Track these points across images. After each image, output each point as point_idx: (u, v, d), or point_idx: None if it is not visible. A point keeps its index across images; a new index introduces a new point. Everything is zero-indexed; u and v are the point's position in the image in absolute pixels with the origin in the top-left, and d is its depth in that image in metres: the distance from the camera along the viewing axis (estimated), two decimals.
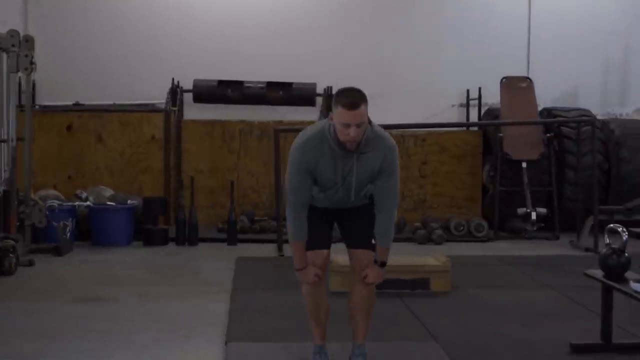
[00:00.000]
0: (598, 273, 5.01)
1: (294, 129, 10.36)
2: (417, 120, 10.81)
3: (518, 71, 11.19)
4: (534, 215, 9.68)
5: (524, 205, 9.89)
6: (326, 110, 10.77)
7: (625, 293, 4.77)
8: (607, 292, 5.03)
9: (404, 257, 7.34)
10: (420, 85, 11.41)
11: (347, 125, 4.07)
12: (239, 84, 10.83)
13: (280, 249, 8.75)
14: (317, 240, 4.50)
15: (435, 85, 11.43)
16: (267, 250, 9.00)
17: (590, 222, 9.23)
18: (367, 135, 4.18)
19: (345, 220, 4.52)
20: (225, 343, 5.15)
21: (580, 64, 11.44)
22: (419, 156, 10.82)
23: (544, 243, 9.74)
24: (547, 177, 10.31)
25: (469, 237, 9.80)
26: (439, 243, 9.50)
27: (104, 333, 5.37)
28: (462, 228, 9.85)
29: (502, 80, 10.73)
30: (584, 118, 10.21)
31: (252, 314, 5.97)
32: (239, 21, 11.23)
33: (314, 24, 11.35)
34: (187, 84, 10.74)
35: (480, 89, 11.11)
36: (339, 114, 4.08)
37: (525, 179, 9.99)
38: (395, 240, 9.41)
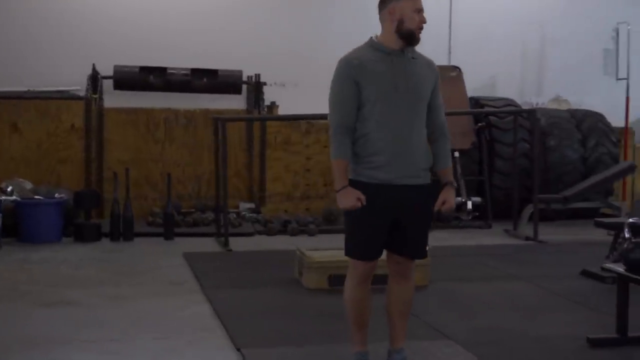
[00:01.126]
0: (617, 267, 5.01)
1: (236, 117, 10.11)
2: None
3: (440, 60, 11.19)
4: (469, 205, 9.71)
5: (458, 195, 9.91)
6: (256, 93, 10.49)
7: None
8: (624, 286, 5.03)
9: None
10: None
11: (420, 10, 4.07)
12: (161, 70, 10.33)
13: (226, 243, 8.41)
14: (372, 247, 4.18)
15: None
16: (209, 244, 8.64)
17: (528, 210, 9.34)
18: (410, 49, 4.16)
19: (405, 219, 4.13)
20: (238, 349, 4.85)
21: (500, 54, 11.55)
22: None
23: (478, 232, 9.80)
24: (477, 167, 10.39)
25: None
26: None
27: (97, 343, 4.95)
28: None
29: None
30: (512, 108, 10.35)
31: (243, 315, 5.67)
32: (163, 6, 10.70)
33: (239, 10, 10.95)
34: (108, 71, 10.15)
35: None
36: (408, 2, 4.05)
37: (459, 169, 10.01)
38: (332, 231, 9.27)
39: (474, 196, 9.98)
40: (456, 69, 10.74)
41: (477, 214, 9.94)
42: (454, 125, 10.12)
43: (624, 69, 11.08)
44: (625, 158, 10.88)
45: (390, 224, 4.15)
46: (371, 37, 4.22)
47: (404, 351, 4.42)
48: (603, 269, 5.15)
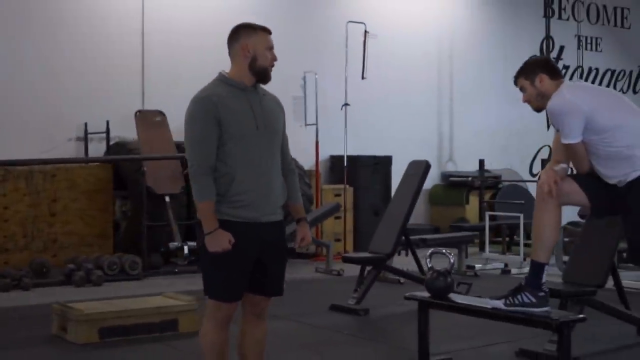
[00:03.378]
0: (421, 295, 5.33)
1: None
2: (35, 154, 10.08)
3: (134, 104, 11.05)
4: (186, 249, 9.65)
5: (170, 240, 9.80)
6: None
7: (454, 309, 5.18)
8: (426, 312, 5.36)
9: (136, 300, 6.89)
10: (35, 117, 10.62)
11: (271, 48, 4.12)
12: None
13: None
14: (238, 287, 4.10)
15: (51, 117, 10.72)
16: None
17: None
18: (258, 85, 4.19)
19: (267, 256, 4.11)
20: None
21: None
22: (48, 193, 10.04)
23: (198, 276, 9.71)
24: (186, 210, 10.35)
25: (124, 275, 9.39)
26: (98, 284, 8.96)
27: None
28: (115, 267, 9.39)
29: (136, 113, 10.54)
30: None
31: None
32: None
33: None
34: None
35: (108, 122, 10.70)
36: (261, 39, 4.09)
37: (171, 213, 9.91)
38: (49, 284, 8.74)
39: (186, 240, 9.91)
40: (160, 113, 10.67)
41: (193, 258, 9.88)
42: (163, 170, 10.11)
43: (312, 115, 11.75)
44: (316, 199, 11.52)
45: (253, 262, 4.11)
46: (220, 73, 4.16)
47: None
48: (407, 297, 5.42)
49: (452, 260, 5.23)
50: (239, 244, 3.99)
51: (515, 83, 4.89)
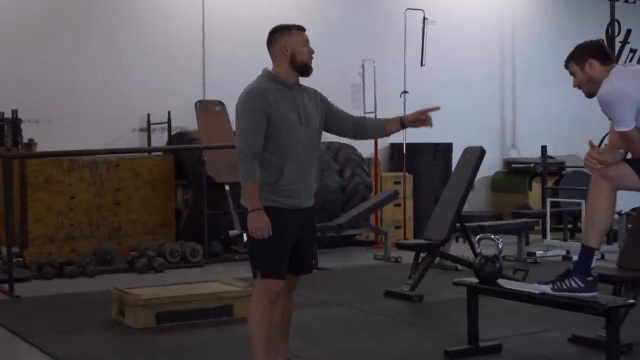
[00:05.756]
0: (469, 281, 5.35)
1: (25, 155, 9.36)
2: (99, 145, 10.34)
3: (195, 95, 11.22)
4: (245, 237, 9.74)
5: (230, 228, 9.95)
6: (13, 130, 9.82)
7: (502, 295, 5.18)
8: (475, 298, 5.37)
9: (192, 285, 7.04)
10: (100, 109, 10.87)
11: (307, 42, 4.45)
12: None
13: (11, 289, 7.76)
14: (284, 265, 4.41)
15: (116, 109, 10.97)
16: None
17: None
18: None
19: (304, 238, 4.50)
20: None
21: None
22: (112, 182, 10.28)
23: None
24: None
25: (185, 262, 9.58)
26: (160, 271, 9.16)
27: None
28: (176, 254, 9.59)
29: (196, 104, 10.70)
30: None
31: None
32: None
33: None
34: None
35: (169, 112, 10.91)
36: (298, 37, 4.42)
37: (231, 201, 10.05)
38: (112, 271, 8.95)
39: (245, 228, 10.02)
40: (220, 103, 10.81)
41: None
42: (223, 159, 10.24)
43: (370, 103, 11.76)
44: (376, 186, 11.55)
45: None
46: (266, 70, 4.49)
47: None
48: (455, 283, 5.44)
49: (500, 246, 5.23)
50: (285, 227, 4.35)
51: (566, 67, 4.86)
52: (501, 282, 5.27)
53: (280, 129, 4.31)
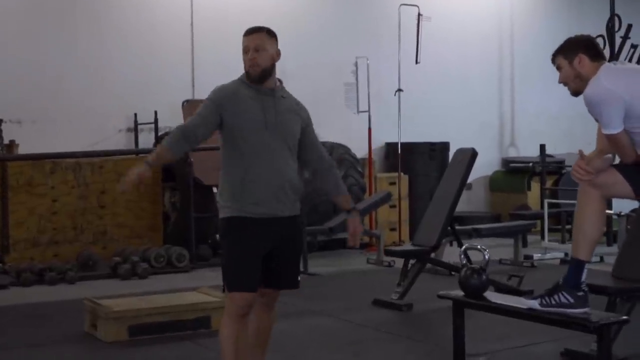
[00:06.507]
0: (454, 294, 5.04)
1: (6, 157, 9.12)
2: (84, 146, 10.09)
3: (184, 94, 10.93)
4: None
5: (218, 232, 9.65)
6: None
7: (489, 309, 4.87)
8: (460, 312, 5.07)
9: (169, 296, 6.76)
10: (86, 109, 10.60)
11: (247, 50, 4.15)
12: None
13: None
14: (253, 278, 4.13)
15: (102, 109, 10.70)
16: None
17: None
18: (281, 88, 4.28)
19: (279, 250, 4.21)
20: None
21: None
22: (97, 185, 9.99)
23: None
24: None
25: (171, 268, 9.30)
26: (144, 277, 8.88)
27: None
28: (162, 259, 9.30)
29: (183, 103, 10.43)
30: None
31: None
32: None
33: None
34: None
35: (156, 112, 10.63)
36: (243, 43, 4.19)
37: None
38: (94, 277, 8.74)
39: None
40: None
41: None
42: (211, 160, 9.93)
43: (364, 102, 11.46)
44: (369, 187, 11.25)
45: (265, 256, 4.20)
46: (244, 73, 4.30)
47: None
48: (440, 296, 5.14)
49: (487, 257, 4.93)
50: (247, 238, 4.11)
51: (553, 61, 4.55)
52: (489, 295, 4.96)
53: (244, 129, 4.13)
